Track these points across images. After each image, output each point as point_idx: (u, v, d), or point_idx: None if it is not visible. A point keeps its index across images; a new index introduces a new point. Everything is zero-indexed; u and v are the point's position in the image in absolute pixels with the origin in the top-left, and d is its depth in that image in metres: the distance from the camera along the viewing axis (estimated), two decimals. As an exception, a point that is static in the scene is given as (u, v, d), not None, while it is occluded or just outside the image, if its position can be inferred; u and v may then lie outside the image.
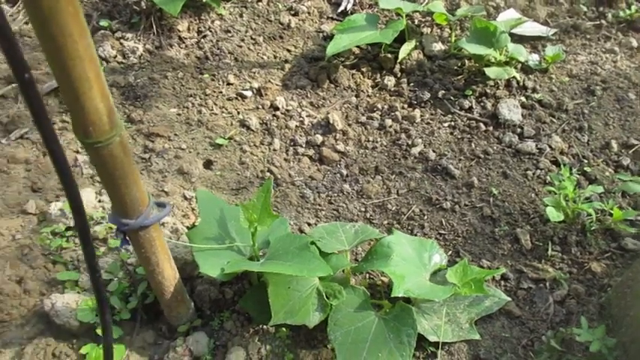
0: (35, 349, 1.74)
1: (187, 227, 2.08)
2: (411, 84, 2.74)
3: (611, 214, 2.06)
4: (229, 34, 2.97)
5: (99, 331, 1.75)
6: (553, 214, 1.98)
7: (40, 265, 1.96)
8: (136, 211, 1.31)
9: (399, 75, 2.80)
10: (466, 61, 2.77)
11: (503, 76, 2.55)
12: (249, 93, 2.69)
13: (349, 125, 2.58)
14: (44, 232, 2.02)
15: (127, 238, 1.41)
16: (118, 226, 1.35)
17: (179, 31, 2.93)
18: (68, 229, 2.05)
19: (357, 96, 2.73)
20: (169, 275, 1.59)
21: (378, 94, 2.73)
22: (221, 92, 2.69)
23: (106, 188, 1.25)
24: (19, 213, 2.13)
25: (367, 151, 2.48)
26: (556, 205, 2.03)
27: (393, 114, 2.60)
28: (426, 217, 2.19)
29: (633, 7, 3.05)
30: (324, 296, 1.68)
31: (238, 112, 2.61)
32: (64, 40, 0.90)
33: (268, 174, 2.36)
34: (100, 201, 2.15)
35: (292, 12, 3.19)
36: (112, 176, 1.19)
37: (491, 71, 2.56)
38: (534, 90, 2.64)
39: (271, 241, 1.74)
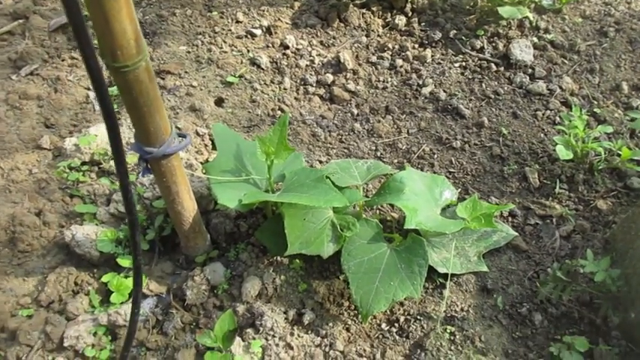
0: (57, 277, 1.79)
1: (201, 163, 2.11)
2: (422, 24, 2.71)
3: (619, 154, 2.09)
4: (238, -29, 2.91)
5: (119, 261, 1.81)
6: (562, 153, 2.01)
7: (58, 199, 2.00)
8: (159, 139, 1.34)
9: (409, 14, 2.77)
10: (478, 1, 2.73)
11: (517, 16, 2.52)
12: (258, 31, 2.66)
13: (360, 65, 2.57)
14: (60, 167, 2.05)
15: (149, 166, 1.44)
16: (140, 154, 1.37)
17: (186, -34, 2.87)
18: (84, 163, 2.08)
19: (367, 35, 2.70)
20: (189, 206, 1.63)
21: (388, 34, 2.71)
22: (230, 30, 2.67)
23: (130, 115, 1.27)
24: (34, 148, 2.15)
25: (378, 90, 2.48)
26: (565, 143, 2.05)
27: (403, 54, 2.59)
28: (436, 156, 2.22)
29: (650, -53, 2.98)
30: (338, 228, 1.73)
31: (248, 51, 2.59)
32: (95, -43, 0.90)
33: (279, 112, 2.37)
34: (113, 137, 2.17)
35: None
36: (136, 102, 1.21)
37: (504, 10, 2.53)
38: (547, 31, 2.61)
39: (286, 174, 1.77)
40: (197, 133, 2.22)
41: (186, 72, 2.47)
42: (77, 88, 2.39)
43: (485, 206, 1.80)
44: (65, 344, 1.63)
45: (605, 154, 2.09)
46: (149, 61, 1.16)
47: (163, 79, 2.43)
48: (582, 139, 2.08)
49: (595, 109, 2.33)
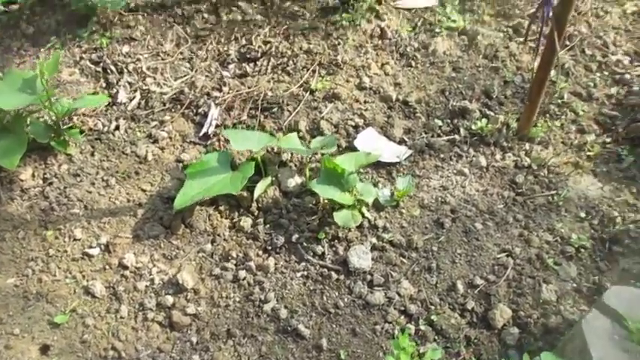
0: None
1: None
2: (267, 225, 2.71)
3: (452, 375, 2.10)
4: (78, 179, 2.84)
5: None
6: (389, 397, 1.99)
7: None
8: None
9: (256, 213, 2.77)
10: (321, 199, 2.78)
11: (351, 224, 2.57)
12: (96, 251, 2.57)
13: (202, 280, 2.51)
14: None
15: None
16: None
17: (21, 180, 2.77)
18: None
19: (213, 241, 2.67)
20: None
21: (234, 237, 2.68)
22: (66, 251, 2.56)
23: None
24: None
25: (220, 309, 2.41)
26: (394, 381, 2.04)
27: (247, 263, 2.55)
28: (274, 392, 2.16)
29: (484, 120, 3.17)
30: None
31: (83, 276, 2.48)
32: None
33: (112, 352, 2.25)
34: None
35: (152, 139, 3.11)
36: None
37: (339, 217, 2.57)
38: (385, 229, 2.67)
39: None
40: (11, 401, 2.05)
41: (9, 315, 2.31)
42: None
43: None
44: None
45: (437, 378, 2.10)
46: None
47: (-18, 329, 2.26)
48: (412, 367, 2.08)
49: (432, 317, 2.35)
